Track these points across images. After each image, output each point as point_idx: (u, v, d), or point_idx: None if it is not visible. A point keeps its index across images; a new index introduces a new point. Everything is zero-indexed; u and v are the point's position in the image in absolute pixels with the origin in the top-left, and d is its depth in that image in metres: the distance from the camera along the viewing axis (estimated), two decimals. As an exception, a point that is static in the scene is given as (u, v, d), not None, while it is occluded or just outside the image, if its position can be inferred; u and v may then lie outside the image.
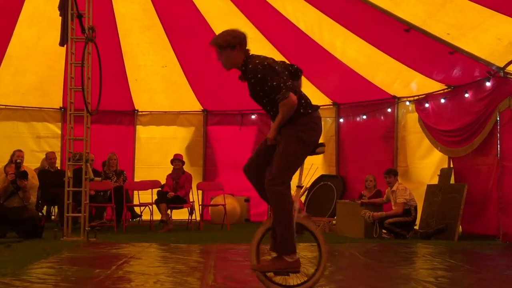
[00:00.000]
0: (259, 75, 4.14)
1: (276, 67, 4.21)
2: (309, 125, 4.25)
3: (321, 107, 4.05)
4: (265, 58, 4.28)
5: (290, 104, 4.13)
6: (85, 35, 8.10)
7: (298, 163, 4.29)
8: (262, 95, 4.24)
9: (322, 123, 4.41)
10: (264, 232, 4.29)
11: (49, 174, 10.47)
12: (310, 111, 4.26)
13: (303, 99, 4.29)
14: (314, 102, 4.31)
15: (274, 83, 4.12)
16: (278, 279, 4.25)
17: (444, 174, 9.82)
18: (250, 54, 4.32)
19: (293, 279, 4.23)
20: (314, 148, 4.33)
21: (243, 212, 12.39)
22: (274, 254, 4.20)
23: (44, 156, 11.15)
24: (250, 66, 4.20)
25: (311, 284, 4.20)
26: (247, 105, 12.69)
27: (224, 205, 10.77)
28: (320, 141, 4.41)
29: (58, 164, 11.29)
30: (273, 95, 4.14)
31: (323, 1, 9.04)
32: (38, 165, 11.05)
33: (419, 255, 7.23)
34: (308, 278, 4.23)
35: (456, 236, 8.83)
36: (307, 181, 12.03)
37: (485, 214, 8.97)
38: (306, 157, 4.34)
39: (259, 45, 10.56)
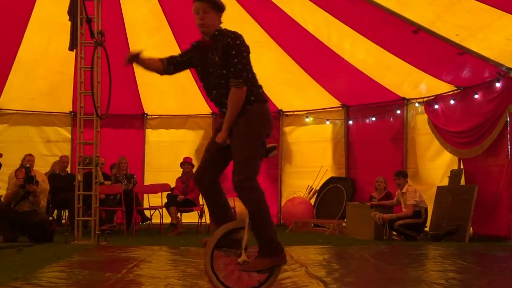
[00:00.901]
0: (236, 42, 4.03)
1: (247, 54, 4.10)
2: (264, 116, 4.11)
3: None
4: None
5: (239, 97, 3.99)
6: (94, 40, 8.12)
7: (260, 160, 4.10)
8: (223, 66, 4.03)
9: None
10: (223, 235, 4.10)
11: (59, 178, 10.49)
12: (262, 100, 4.13)
13: (258, 88, 4.14)
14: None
15: (239, 66, 4.00)
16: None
17: (454, 176, 9.78)
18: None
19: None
20: (267, 150, 4.14)
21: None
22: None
23: (57, 159, 11.21)
24: (230, 33, 4.09)
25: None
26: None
27: (233, 208, 10.74)
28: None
29: (68, 168, 11.33)
30: (231, 74, 4.00)
31: (330, 3, 9.03)
32: (48, 169, 11.10)
33: (430, 257, 7.19)
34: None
35: (467, 238, 8.78)
36: (317, 184, 12.05)
37: (496, 216, 8.92)
38: (263, 147, 4.14)
39: (267, 48, 10.61)
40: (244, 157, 4.02)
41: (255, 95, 4.09)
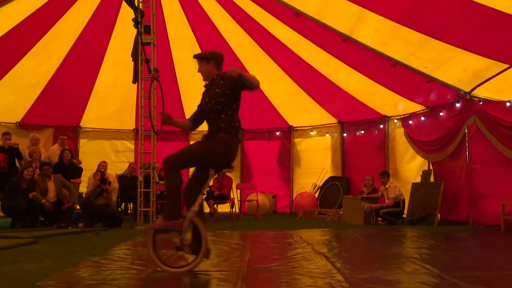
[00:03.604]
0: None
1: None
2: (222, 143, 3.91)
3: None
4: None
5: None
6: (151, 75, 8.20)
7: (193, 160, 3.93)
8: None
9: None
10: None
11: (126, 179, 10.58)
12: (231, 132, 3.95)
13: (233, 122, 3.97)
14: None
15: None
16: (169, 262, 4.04)
17: (425, 175, 9.68)
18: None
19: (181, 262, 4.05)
20: (222, 167, 3.95)
21: (271, 206, 12.38)
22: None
23: (131, 162, 11.45)
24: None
25: (195, 265, 3.92)
26: (272, 124, 12.72)
27: (257, 201, 10.76)
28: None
29: (133, 172, 11.42)
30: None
31: (330, 45, 9.04)
32: (118, 172, 11.21)
33: (407, 237, 7.10)
34: (192, 261, 3.95)
35: (436, 223, 8.71)
36: (319, 181, 12.00)
37: (458, 206, 8.82)
38: (205, 164, 3.91)
39: (282, 80, 10.63)
40: (187, 148, 4.04)
41: (229, 127, 3.98)
